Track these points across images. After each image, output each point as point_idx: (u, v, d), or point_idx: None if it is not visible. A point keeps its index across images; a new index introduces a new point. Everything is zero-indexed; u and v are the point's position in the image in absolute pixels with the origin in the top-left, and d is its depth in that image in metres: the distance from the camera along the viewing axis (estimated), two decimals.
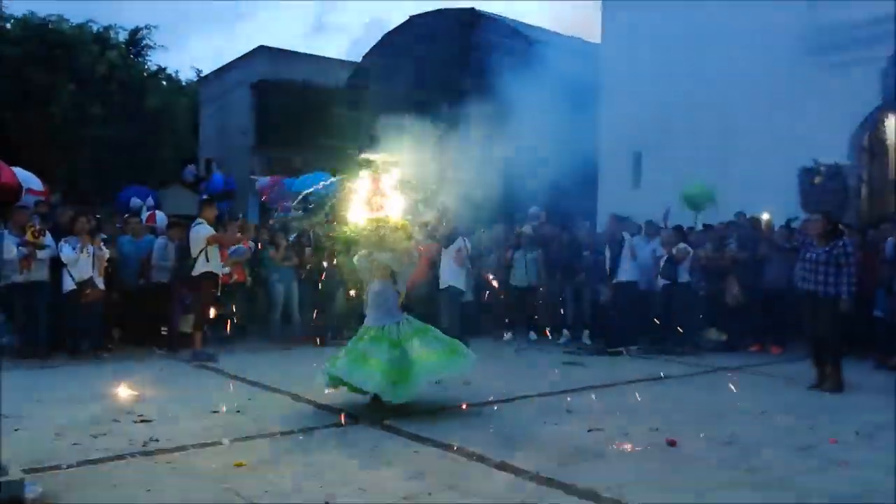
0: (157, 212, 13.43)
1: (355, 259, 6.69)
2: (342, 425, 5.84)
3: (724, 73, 13.78)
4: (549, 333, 11.30)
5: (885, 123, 13.58)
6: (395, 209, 6.79)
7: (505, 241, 12.38)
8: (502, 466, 4.70)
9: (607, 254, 10.46)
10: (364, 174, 6.85)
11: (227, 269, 10.05)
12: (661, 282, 10.34)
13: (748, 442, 5.36)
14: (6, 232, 8.76)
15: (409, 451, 5.07)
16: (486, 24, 18.72)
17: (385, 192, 6.75)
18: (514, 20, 18.61)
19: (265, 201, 15.77)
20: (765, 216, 8.56)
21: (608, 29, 16.31)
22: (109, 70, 21.45)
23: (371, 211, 6.69)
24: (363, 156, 6.95)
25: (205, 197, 13.00)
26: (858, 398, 7.05)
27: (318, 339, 10.60)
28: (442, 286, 10.00)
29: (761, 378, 8.29)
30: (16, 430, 5.46)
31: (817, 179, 12.16)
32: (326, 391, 6.45)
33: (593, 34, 18.29)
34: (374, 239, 6.55)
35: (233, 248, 9.86)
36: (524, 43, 17.19)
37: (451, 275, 9.94)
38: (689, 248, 10.34)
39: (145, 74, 24.10)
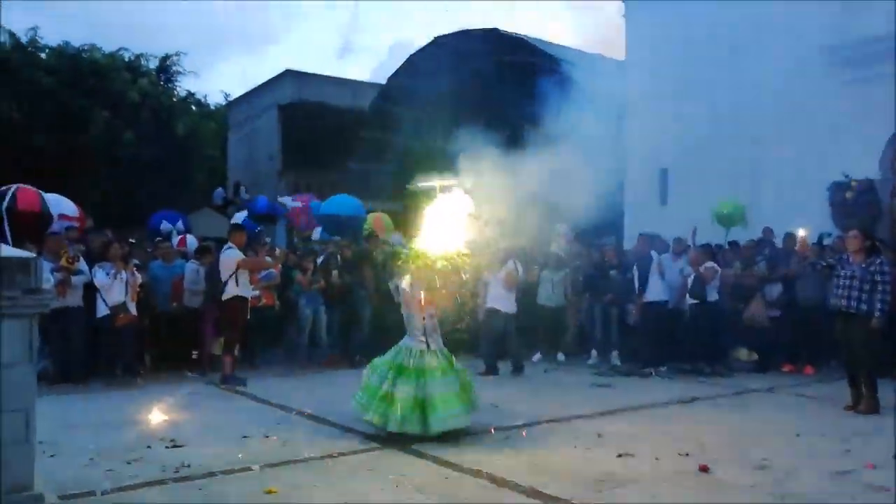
0: (187, 236, 13.64)
1: (399, 283, 6.74)
2: (371, 451, 5.85)
3: (751, 87, 13.69)
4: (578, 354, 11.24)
5: None
6: (457, 240, 6.75)
7: (531, 260, 12.36)
8: (533, 493, 4.68)
9: (636, 272, 10.40)
10: (430, 203, 6.86)
11: (256, 293, 10.17)
12: (689, 301, 10.25)
13: (782, 466, 5.27)
14: (41, 258, 8.97)
15: (440, 478, 5.06)
16: (510, 44, 18.81)
17: (450, 222, 6.75)
18: (536, 38, 18.68)
19: (294, 226, 15.91)
20: (801, 233, 8.44)
21: (632, 44, 16.31)
22: (141, 96, 21.88)
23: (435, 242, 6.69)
24: (425, 184, 6.92)
25: (234, 222, 13.17)
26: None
27: (346, 362, 10.69)
28: (488, 307, 10.00)
29: (794, 399, 8.17)
30: (51, 455, 5.57)
31: (849, 194, 12.01)
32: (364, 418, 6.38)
33: (616, 51, 18.33)
34: (425, 273, 6.55)
35: (263, 272, 9.98)
36: (548, 61, 17.23)
37: (499, 297, 9.92)
38: (718, 267, 10.25)
39: (175, 100, 24.53)
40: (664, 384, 9.25)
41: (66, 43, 22.75)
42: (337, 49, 75.24)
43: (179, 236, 13.68)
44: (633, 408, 7.64)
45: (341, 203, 15.07)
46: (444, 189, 6.85)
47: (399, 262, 6.76)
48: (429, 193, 6.86)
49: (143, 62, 24.19)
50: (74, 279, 8.98)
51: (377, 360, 6.59)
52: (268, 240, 12.66)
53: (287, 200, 16.83)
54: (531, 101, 16.96)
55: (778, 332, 10.29)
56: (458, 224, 6.79)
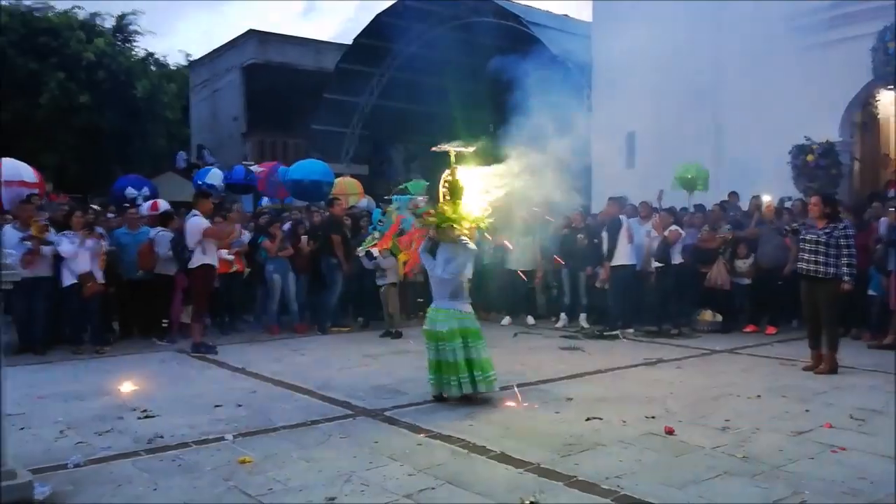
0: (160, 200, 13.43)
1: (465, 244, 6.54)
2: (344, 418, 5.91)
3: (714, 52, 13.79)
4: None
5: (876, 99, 13.63)
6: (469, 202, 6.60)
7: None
8: (503, 458, 4.77)
9: (604, 236, 10.51)
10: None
11: (231, 257, 10.11)
12: (654, 264, 10.42)
13: (743, 428, 5.44)
14: (10, 227, 8.77)
15: (413, 445, 5.13)
16: (477, 4, 18.60)
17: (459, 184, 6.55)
18: (504, 1, 18.48)
19: (260, 191, 15.74)
20: (766, 198, 8.60)
21: (599, 8, 16.24)
22: (97, 57, 21.20)
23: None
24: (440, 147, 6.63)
25: (198, 188, 13.00)
26: (853, 380, 7.15)
27: (316, 329, 10.72)
28: None
29: (756, 360, 8.40)
30: (20, 429, 5.53)
31: (810, 157, 12.24)
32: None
33: (584, 13, 18.25)
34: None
35: (236, 239, 9.92)
36: (514, 21, 17.10)
37: None
38: (682, 230, 10.41)
39: (133, 61, 23.82)
40: (631, 346, 9.45)
41: (17, 1, 21.92)
42: (301, 8, 73.56)
43: (152, 201, 13.50)
44: (601, 370, 7.80)
45: (309, 168, 14.91)
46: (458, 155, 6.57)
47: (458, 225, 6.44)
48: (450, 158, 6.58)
49: (98, 21, 23.43)
50: (45, 249, 8.80)
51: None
52: (234, 205, 12.52)
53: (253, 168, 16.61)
54: (498, 61, 16.87)
55: (741, 294, 10.54)
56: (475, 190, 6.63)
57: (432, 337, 6.32)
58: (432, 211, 6.56)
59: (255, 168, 15.95)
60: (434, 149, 6.70)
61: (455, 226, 6.38)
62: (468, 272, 6.50)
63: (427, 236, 6.60)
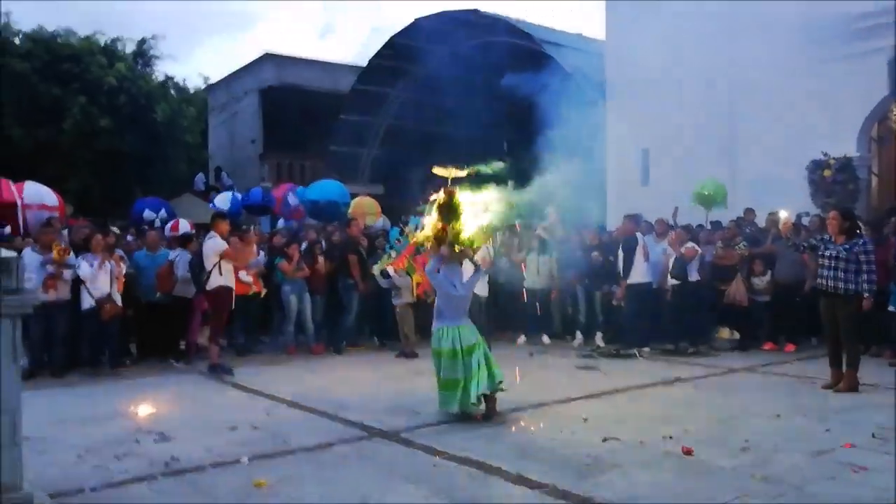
0: (180, 220, 13.60)
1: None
2: (360, 440, 5.90)
3: (731, 66, 13.77)
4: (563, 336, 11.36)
5: (894, 112, 13.52)
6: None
7: (515, 243, 12.42)
8: (520, 480, 4.74)
9: (620, 254, 10.47)
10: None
11: (249, 279, 10.18)
12: (670, 281, 10.35)
13: (763, 448, 5.37)
14: (29, 250, 8.89)
15: (429, 467, 5.11)
16: (490, 25, 18.70)
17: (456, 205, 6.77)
18: (517, 20, 18.59)
19: (276, 213, 15.87)
20: (783, 214, 8.52)
21: (612, 24, 16.29)
22: (118, 81, 21.55)
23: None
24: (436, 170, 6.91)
25: (216, 210, 13.14)
26: (873, 398, 7.05)
27: (333, 349, 10.73)
28: None
29: (774, 378, 8.31)
30: (39, 453, 5.56)
31: (827, 172, 12.14)
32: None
33: (597, 31, 18.33)
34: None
35: (252, 261, 10.00)
36: (529, 42, 17.18)
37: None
38: (698, 247, 10.35)
39: (153, 85, 24.17)
40: (648, 365, 9.37)
41: (40, 27, 22.37)
42: (318, 31, 74.40)
43: (172, 221, 13.70)
44: (619, 390, 7.73)
45: (325, 188, 15.02)
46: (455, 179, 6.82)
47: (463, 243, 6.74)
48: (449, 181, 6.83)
49: (119, 46, 23.83)
50: (65, 273, 8.91)
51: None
52: (252, 227, 12.62)
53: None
54: (513, 81, 16.96)
55: (758, 311, 10.44)
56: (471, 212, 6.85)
57: (457, 354, 6.39)
58: (436, 231, 6.74)
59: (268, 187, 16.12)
60: (434, 170, 6.89)
61: (463, 244, 6.67)
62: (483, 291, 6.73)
63: (438, 255, 6.72)
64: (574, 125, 16.73)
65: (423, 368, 9.05)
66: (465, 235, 6.72)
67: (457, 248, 6.65)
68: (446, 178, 6.80)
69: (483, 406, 6.42)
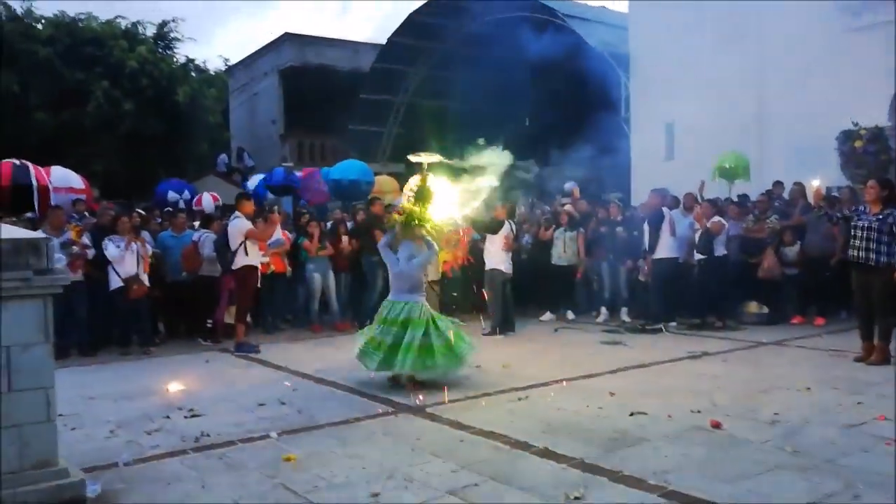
0: (203, 195, 13.72)
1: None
2: (386, 415, 5.93)
3: (758, 36, 13.49)
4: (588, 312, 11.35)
5: None
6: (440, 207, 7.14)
7: (539, 219, 12.38)
8: (547, 454, 4.74)
9: (645, 229, 10.37)
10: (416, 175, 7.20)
11: (266, 259, 10.21)
12: (696, 256, 10.24)
13: (793, 421, 5.32)
14: (41, 232, 8.98)
15: (455, 441, 5.13)
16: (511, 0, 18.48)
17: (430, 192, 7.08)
18: None
19: (298, 194, 15.90)
20: (815, 182, 8.33)
21: None
22: (140, 65, 21.64)
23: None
24: (413, 157, 7.26)
25: (241, 191, 13.20)
26: None
27: (357, 327, 10.75)
28: (487, 268, 10.11)
29: (804, 352, 8.21)
30: (72, 429, 5.67)
31: (858, 143, 11.88)
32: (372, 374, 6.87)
33: (621, 5, 18.03)
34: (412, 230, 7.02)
35: (272, 239, 10.01)
36: (551, 16, 16.97)
37: (497, 258, 10.00)
38: (724, 221, 10.21)
39: (174, 67, 24.23)
40: (674, 340, 9.30)
41: (62, 13, 22.48)
42: (337, 9, 74.04)
43: (196, 197, 13.82)
44: (644, 364, 7.69)
45: (348, 168, 15.03)
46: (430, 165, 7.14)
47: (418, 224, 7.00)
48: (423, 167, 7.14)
49: (139, 30, 23.90)
50: (88, 253, 9.02)
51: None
52: (275, 207, 12.67)
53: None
54: (533, 55, 16.80)
55: (787, 283, 10.31)
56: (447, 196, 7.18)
57: (393, 323, 6.73)
58: (400, 210, 7.18)
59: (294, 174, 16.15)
60: (410, 157, 7.31)
61: (421, 225, 6.95)
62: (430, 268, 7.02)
63: (391, 232, 7.18)
64: (598, 100, 16.63)
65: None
66: (433, 219, 7.03)
67: (414, 229, 6.93)
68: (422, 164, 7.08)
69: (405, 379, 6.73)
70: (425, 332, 6.66)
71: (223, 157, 23.80)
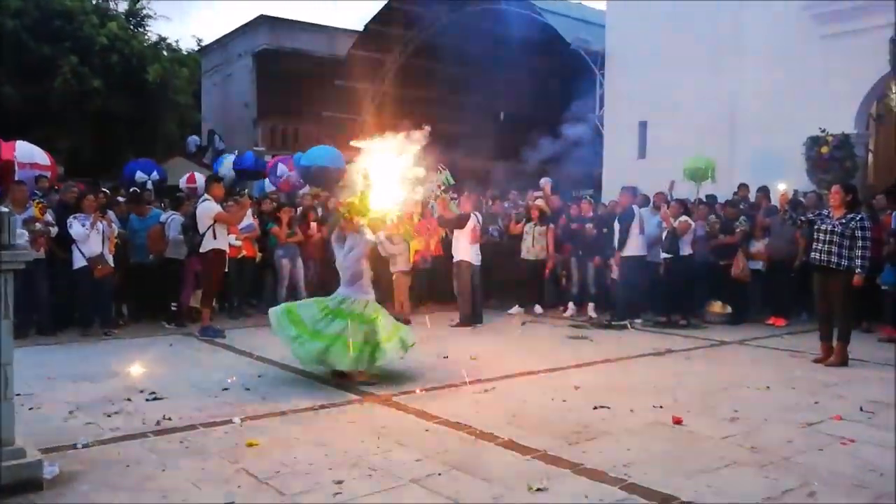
0: (195, 173, 13.54)
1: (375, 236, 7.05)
2: (352, 403, 5.92)
3: (731, 41, 13.65)
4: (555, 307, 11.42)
5: (893, 91, 13.46)
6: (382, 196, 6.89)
7: (507, 213, 12.43)
8: (511, 445, 4.77)
9: (616, 226, 10.46)
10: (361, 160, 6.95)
11: (238, 243, 10.13)
12: (662, 255, 10.37)
13: (752, 418, 5.42)
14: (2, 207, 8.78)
15: (420, 430, 5.13)
16: None
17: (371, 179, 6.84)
18: None
19: (270, 180, 15.76)
20: (781, 186, 8.49)
21: None
22: (110, 41, 21.19)
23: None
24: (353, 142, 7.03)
25: (211, 174, 13.03)
26: (864, 372, 7.11)
27: None
28: (455, 259, 10.13)
29: (765, 352, 8.36)
30: (30, 409, 5.57)
31: (825, 149, 12.11)
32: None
33: (599, 2, 18.09)
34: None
35: (244, 224, 9.93)
36: (529, 10, 16.97)
37: (465, 250, 10.02)
38: (691, 221, 10.34)
39: (145, 45, 23.78)
40: (639, 336, 9.41)
41: None
42: None
43: (187, 174, 13.64)
44: (610, 360, 7.78)
45: (319, 154, 14.88)
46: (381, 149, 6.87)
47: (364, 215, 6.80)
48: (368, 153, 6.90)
49: (111, 5, 23.45)
50: (51, 231, 8.84)
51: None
52: (245, 191, 12.54)
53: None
54: (509, 49, 16.81)
55: (752, 283, 10.49)
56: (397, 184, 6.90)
57: (324, 311, 6.59)
58: (342, 203, 6.92)
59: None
60: (351, 143, 7.04)
61: (356, 216, 6.71)
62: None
63: (336, 226, 6.93)
64: (572, 96, 16.70)
65: (416, 336, 9.08)
66: (372, 209, 6.79)
67: (354, 220, 6.74)
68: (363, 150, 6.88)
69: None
70: (348, 326, 6.44)
71: (194, 138, 23.49)
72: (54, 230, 8.89)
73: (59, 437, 4.88)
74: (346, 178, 7.15)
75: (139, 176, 14.61)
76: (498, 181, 16.24)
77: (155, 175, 14.85)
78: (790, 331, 9.65)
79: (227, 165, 16.01)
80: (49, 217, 8.93)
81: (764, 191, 10.72)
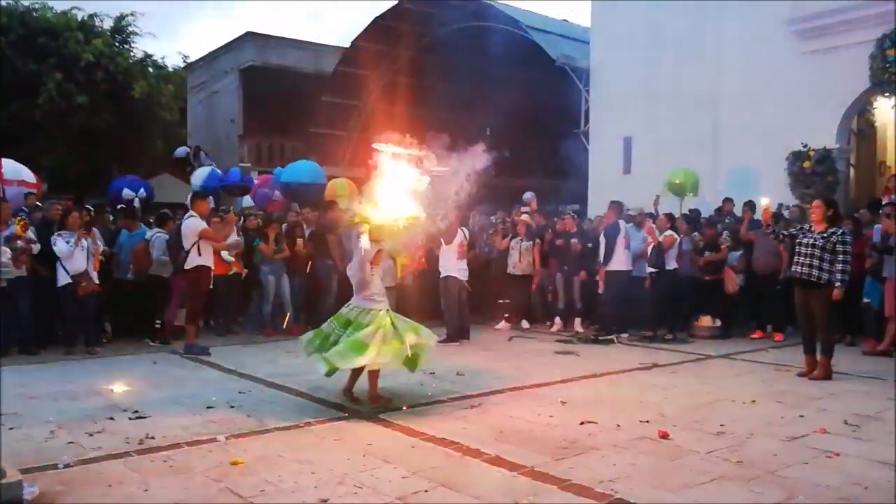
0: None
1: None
2: (338, 420, 5.88)
3: (714, 57, 13.81)
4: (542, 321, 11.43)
5: (874, 106, 13.64)
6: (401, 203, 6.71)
7: (493, 228, 12.45)
8: (497, 461, 4.75)
9: (602, 241, 10.51)
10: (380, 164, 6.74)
11: (231, 259, 10.11)
12: (647, 269, 10.40)
13: (738, 432, 5.43)
14: None
15: (407, 447, 5.10)
16: (477, 9, 18.58)
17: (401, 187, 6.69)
18: (504, 4, 18.49)
19: (253, 198, 15.71)
20: (763, 200, 8.56)
21: (598, 12, 16.24)
22: (95, 58, 21.11)
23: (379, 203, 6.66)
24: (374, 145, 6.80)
25: (196, 190, 12.99)
26: (848, 386, 7.15)
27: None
28: (443, 275, 10.10)
29: (751, 366, 8.39)
30: (10, 428, 5.49)
31: (807, 164, 12.24)
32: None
33: (584, 18, 18.26)
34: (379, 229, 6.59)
35: (232, 240, 9.91)
36: (515, 27, 17.10)
37: (452, 266, 10.01)
38: (677, 235, 10.40)
39: (131, 62, 23.71)
40: (626, 351, 9.43)
41: (16, 1, 21.84)
42: (306, 14, 73.35)
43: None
44: (596, 374, 7.78)
45: (298, 170, 14.85)
46: (395, 156, 6.67)
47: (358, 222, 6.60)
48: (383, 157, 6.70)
49: (96, 22, 23.35)
50: (33, 248, 8.76)
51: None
52: (231, 208, 12.50)
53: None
54: (496, 66, 16.90)
55: (737, 299, 10.55)
56: (409, 191, 6.72)
57: (339, 319, 6.47)
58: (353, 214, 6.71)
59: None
60: (373, 146, 6.79)
61: (363, 224, 6.52)
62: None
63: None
64: (557, 112, 16.81)
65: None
66: (373, 219, 6.58)
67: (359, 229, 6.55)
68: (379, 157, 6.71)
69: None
70: (358, 330, 6.25)
71: (184, 148, 23.30)
72: (36, 247, 8.82)
73: (39, 457, 4.82)
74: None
75: (126, 193, 14.51)
76: (484, 196, 16.28)
77: (142, 192, 14.76)
78: (775, 345, 9.70)
79: (197, 176, 15.94)
80: (31, 234, 8.86)
81: (749, 205, 10.82)
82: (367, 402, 6.29)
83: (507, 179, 17.57)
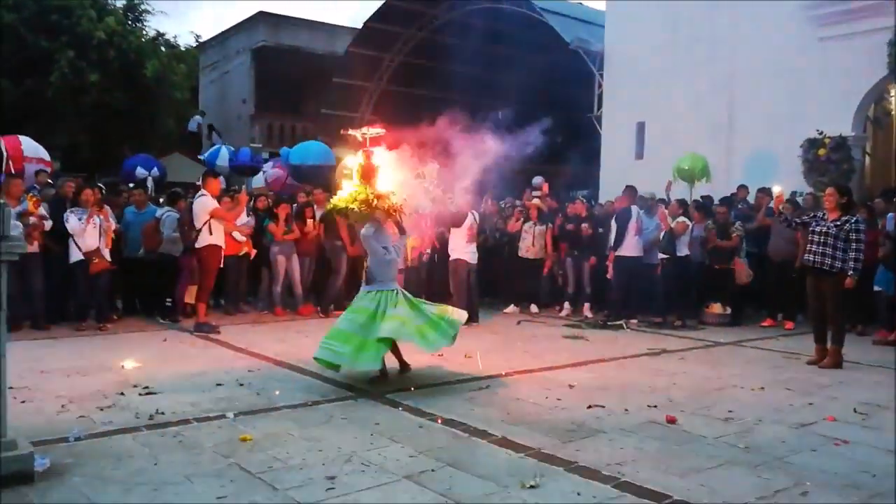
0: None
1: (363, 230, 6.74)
2: (346, 399, 5.90)
3: (729, 42, 13.65)
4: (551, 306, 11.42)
5: (891, 94, 13.48)
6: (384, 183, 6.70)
7: (504, 212, 12.43)
8: (504, 443, 4.76)
9: (613, 225, 10.47)
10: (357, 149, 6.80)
11: (243, 238, 10.15)
12: (659, 256, 10.36)
13: (746, 419, 5.41)
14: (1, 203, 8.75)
15: (414, 427, 5.12)
16: None
17: (374, 167, 6.65)
18: None
19: (268, 182, 15.72)
20: (776, 188, 8.46)
21: None
22: (108, 36, 21.10)
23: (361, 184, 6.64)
24: (351, 132, 6.86)
25: (208, 169, 13.01)
26: (857, 375, 7.11)
27: (320, 311, 10.70)
28: (451, 258, 10.10)
29: (760, 353, 8.36)
30: (22, 402, 5.54)
31: (822, 151, 12.12)
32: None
33: (599, 2, 18.08)
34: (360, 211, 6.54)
35: (243, 220, 9.94)
36: (529, 9, 16.97)
37: (461, 249, 9.99)
38: (689, 222, 10.34)
39: (143, 41, 23.69)
40: (635, 336, 9.41)
41: None
42: None
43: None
44: (604, 359, 7.78)
45: (307, 151, 14.83)
46: (370, 139, 6.69)
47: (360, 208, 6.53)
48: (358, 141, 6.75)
49: (109, 0, 23.33)
50: (45, 224, 8.82)
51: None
52: (242, 188, 12.52)
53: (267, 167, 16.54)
54: (509, 49, 16.79)
55: (749, 286, 10.50)
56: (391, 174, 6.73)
57: (374, 316, 6.27)
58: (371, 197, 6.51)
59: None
60: (343, 133, 6.86)
61: (393, 210, 6.52)
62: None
63: (374, 220, 6.60)
64: (571, 96, 16.68)
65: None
66: (388, 198, 6.53)
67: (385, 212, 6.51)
68: (363, 140, 6.71)
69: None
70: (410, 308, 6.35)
71: (197, 118, 23.28)
72: (48, 224, 8.87)
73: (51, 430, 4.86)
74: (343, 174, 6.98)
75: (139, 172, 14.56)
76: (495, 180, 16.22)
77: (155, 171, 14.80)
78: (785, 333, 9.66)
79: (223, 158, 15.94)
80: (43, 211, 8.91)
81: (765, 191, 10.73)
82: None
83: (519, 164, 17.51)
